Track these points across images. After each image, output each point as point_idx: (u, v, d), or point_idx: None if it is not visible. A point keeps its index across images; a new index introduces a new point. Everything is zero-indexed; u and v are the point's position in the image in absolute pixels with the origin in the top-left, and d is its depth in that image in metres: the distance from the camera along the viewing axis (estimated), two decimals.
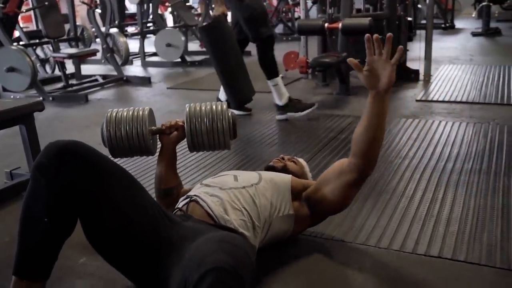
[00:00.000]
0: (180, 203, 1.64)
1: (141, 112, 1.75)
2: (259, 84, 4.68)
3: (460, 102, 3.76)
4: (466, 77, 4.61)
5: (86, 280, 1.67)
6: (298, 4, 9.96)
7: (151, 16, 7.46)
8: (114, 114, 1.74)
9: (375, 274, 1.61)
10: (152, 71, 6.18)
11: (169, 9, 9.33)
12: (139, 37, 6.63)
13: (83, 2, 5.34)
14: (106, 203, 1.34)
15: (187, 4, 7.99)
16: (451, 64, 5.30)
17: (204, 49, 6.80)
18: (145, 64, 6.57)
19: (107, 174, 1.35)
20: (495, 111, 3.46)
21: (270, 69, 3.56)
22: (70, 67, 5.29)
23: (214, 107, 1.76)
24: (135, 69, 6.28)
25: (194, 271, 1.10)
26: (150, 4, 7.01)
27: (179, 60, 6.34)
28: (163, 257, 1.36)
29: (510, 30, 8.23)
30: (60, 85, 5.13)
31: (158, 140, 1.84)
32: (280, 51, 7.50)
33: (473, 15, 8.11)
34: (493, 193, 2.13)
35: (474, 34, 7.66)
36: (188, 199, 1.61)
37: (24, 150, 2.48)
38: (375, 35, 1.48)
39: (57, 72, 5.66)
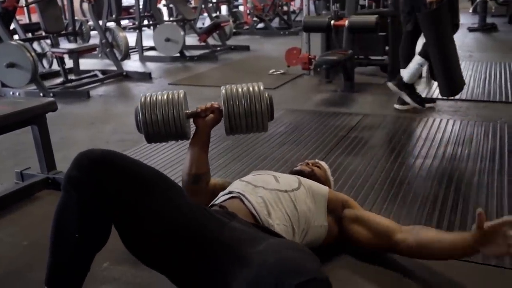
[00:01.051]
0: (221, 198, 1.61)
1: (176, 95, 1.71)
2: (266, 80, 4.68)
3: (465, 100, 3.78)
4: (468, 74, 4.63)
5: (111, 285, 1.65)
6: None
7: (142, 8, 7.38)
8: (148, 98, 1.70)
9: (373, 275, 1.62)
10: (151, 66, 6.13)
11: (163, 1, 9.27)
12: (136, 31, 6.57)
13: None
14: (147, 211, 1.30)
15: None
16: None
17: (203, 44, 6.79)
18: (143, 59, 6.52)
19: (144, 181, 1.31)
20: (501, 110, 3.48)
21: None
22: (67, 62, 5.23)
23: (251, 88, 1.73)
24: (133, 64, 6.22)
25: (287, 278, 1.03)
26: None
27: (178, 55, 6.29)
28: (216, 259, 1.29)
29: (506, 25, 8.29)
30: (58, 80, 5.08)
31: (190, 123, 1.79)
32: (278, 45, 7.54)
33: (470, 10, 8.14)
34: (509, 195, 2.15)
35: (471, 30, 7.70)
36: (231, 195, 1.59)
37: (36, 150, 2.45)
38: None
39: (54, 67, 5.60)
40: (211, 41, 7.08)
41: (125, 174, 1.28)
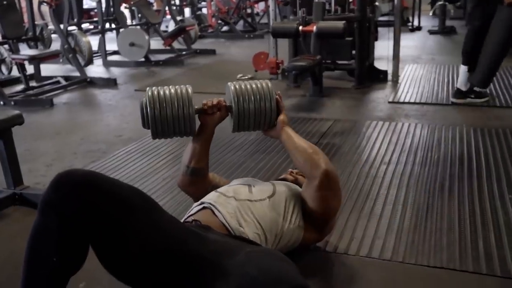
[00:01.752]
0: (194, 208, 1.62)
1: (184, 90, 1.66)
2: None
3: (431, 103, 3.88)
4: (432, 77, 4.74)
5: None
6: (258, 0, 9.98)
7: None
8: (156, 92, 1.64)
9: (381, 287, 1.63)
10: (115, 71, 6.00)
11: (124, 4, 9.09)
12: (98, 34, 6.41)
13: (44, 2, 5.09)
14: (129, 231, 1.27)
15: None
16: (415, 64, 5.45)
17: (168, 48, 6.70)
18: (106, 64, 6.37)
19: (126, 202, 1.28)
20: (466, 113, 3.58)
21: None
22: (28, 68, 5.04)
23: (259, 85, 1.72)
24: (96, 69, 6.07)
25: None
26: (111, 1, 6.78)
27: (143, 59, 6.19)
28: (198, 274, 1.30)
29: (464, 28, 8.50)
30: (19, 87, 4.91)
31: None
32: (244, 49, 7.53)
33: (430, 14, 8.35)
34: (480, 198, 2.20)
35: (431, 32, 7.90)
36: (202, 206, 1.60)
37: (1, 165, 2.34)
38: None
39: (14, 73, 5.40)
40: (176, 45, 7.00)
41: (106, 196, 1.24)
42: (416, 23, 8.41)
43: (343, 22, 3.72)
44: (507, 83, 4.37)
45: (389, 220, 2.05)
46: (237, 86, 1.70)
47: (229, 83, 1.74)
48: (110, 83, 5.11)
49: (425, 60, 5.71)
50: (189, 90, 1.66)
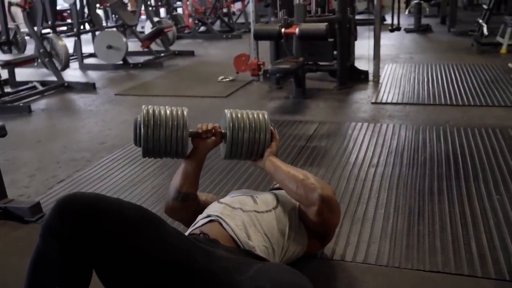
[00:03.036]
0: (200, 221, 1.59)
1: (180, 112, 1.65)
2: (215, 88, 4.63)
3: (413, 104, 3.92)
4: (412, 77, 4.80)
5: None
6: (235, 0, 9.94)
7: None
8: (151, 111, 1.62)
9: None
10: (93, 75, 5.91)
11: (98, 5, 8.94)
12: (73, 37, 6.28)
13: (17, 4, 4.96)
14: (135, 252, 1.23)
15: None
16: (394, 63, 5.51)
17: (146, 50, 6.61)
18: (83, 67, 6.26)
19: (130, 222, 1.24)
20: (448, 113, 3.63)
21: None
22: (1, 72, 4.91)
23: (255, 115, 1.73)
24: (73, 73, 5.95)
25: None
26: (86, 2, 6.66)
27: (121, 62, 6.10)
28: None
29: (439, 26, 8.69)
30: None
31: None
32: (223, 50, 7.51)
33: (406, 12, 8.45)
34: (469, 199, 2.23)
35: (408, 31, 8.01)
36: (209, 219, 1.57)
37: None
38: None
39: None
40: (153, 46, 6.92)
41: (110, 219, 1.20)
42: (395, 22, 8.49)
43: (326, 23, 3.73)
44: (485, 82, 4.45)
45: (382, 224, 2.05)
46: (233, 114, 1.71)
47: (226, 110, 1.74)
48: (89, 87, 5.02)
49: (403, 59, 5.78)
50: (185, 113, 1.66)
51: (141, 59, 6.43)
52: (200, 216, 1.65)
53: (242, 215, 1.57)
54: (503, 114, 3.52)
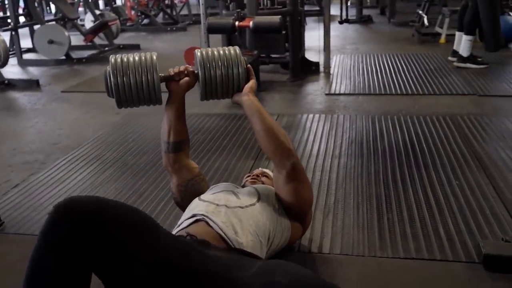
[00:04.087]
0: (184, 222, 1.56)
1: (148, 56, 1.61)
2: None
3: (365, 94, 4.03)
4: (360, 67, 4.92)
5: None
6: None
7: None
8: (119, 59, 1.59)
9: (361, 283, 1.68)
10: (34, 71, 5.62)
11: None
12: (11, 32, 5.95)
13: None
14: (136, 255, 1.20)
15: None
16: (342, 54, 5.62)
17: (89, 44, 6.37)
18: (22, 63, 5.94)
19: (128, 225, 1.22)
20: (399, 102, 3.76)
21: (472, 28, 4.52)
22: None
23: (227, 52, 1.69)
24: (12, 70, 5.64)
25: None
26: None
27: (64, 57, 5.84)
28: None
29: (379, 17, 8.95)
30: None
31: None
32: (169, 43, 7.37)
33: (349, 3, 8.63)
34: (431, 186, 2.33)
35: (350, 22, 8.20)
36: (195, 218, 1.54)
37: None
38: None
39: None
40: (96, 40, 6.67)
41: (109, 224, 1.17)
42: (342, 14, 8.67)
43: (279, 16, 3.74)
44: (430, 71, 4.64)
45: (353, 214, 2.10)
46: (203, 53, 1.68)
47: (196, 50, 1.71)
48: (32, 84, 4.77)
49: (350, 50, 5.91)
50: (154, 57, 1.63)
51: (85, 53, 6.19)
52: (184, 217, 1.62)
53: (227, 211, 1.56)
54: (451, 102, 3.69)
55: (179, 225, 1.58)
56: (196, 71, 1.69)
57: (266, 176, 2.01)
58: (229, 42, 4.46)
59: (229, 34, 4.26)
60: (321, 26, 4.94)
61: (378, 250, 1.84)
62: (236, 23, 3.82)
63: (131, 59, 1.60)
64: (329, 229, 1.99)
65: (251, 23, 3.78)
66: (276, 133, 1.62)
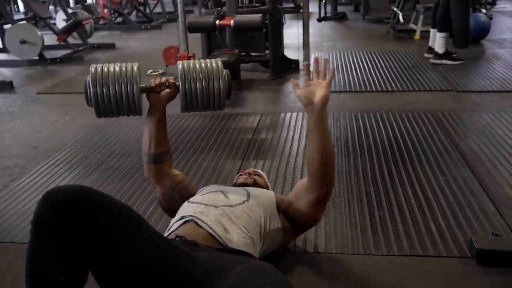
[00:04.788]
0: (174, 225, 1.55)
1: (129, 67, 1.61)
2: (146, 82, 4.44)
3: (346, 91, 4.06)
4: (339, 64, 4.95)
5: None
6: None
7: None
8: (99, 69, 1.58)
9: (359, 282, 1.69)
10: (6, 72, 5.47)
11: None
12: None
13: None
14: (122, 249, 1.23)
15: None
16: (319, 51, 5.65)
17: (62, 43, 6.23)
18: None
19: (117, 214, 1.24)
20: (380, 99, 3.80)
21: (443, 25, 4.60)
22: None
23: (209, 64, 1.69)
24: None
25: None
26: None
27: (37, 57, 5.69)
28: None
29: (353, 13, 9.03)
30: None
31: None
32: (144, 41, 7.28)
33: (323, 1, 8.67)
34: (418, 182, 2.36)
35: (320, 20, 8.22)
36: (183, 220, 1.54)
37: None
38: (315, 57, 1.64)
39: None
40: (69, 39, 6.52)
41: (99, 209, 1.20)
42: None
43: (260, 15, 3.74)
44: (407, 67, 4.70)
45: (344, 212, 2.12)
46: (185, 65, 1.68)
47: (178, 62, 1.72)
48: (6, 86, 4.63)
49: (327, 47, 5.95)
50: (135, 67, 1.62)
51: (59, 53, 6.04)
52: (173, 220, 1.62)
53: (216, 210, 1.56)
54: (430, 98, 3.75)
55: (169, 229, 1.57)
56: (177, 83, 1.69)
57: (258, 175, 2.02)
58: (209, 41, 4.43)
59: (209, 33, 4.22)
60: (298, 23, 4.96)
61: (373, 248, 1.86)
62: (217, 21, 3.80)
63: (111, 69, 1.59)
64: (323, 228, 2.00)
65: (232, 22, 3.76)
66: (330, 157, 1.63)
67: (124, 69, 1.60)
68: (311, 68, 1.73)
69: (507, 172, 2.44)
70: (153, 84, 1.67)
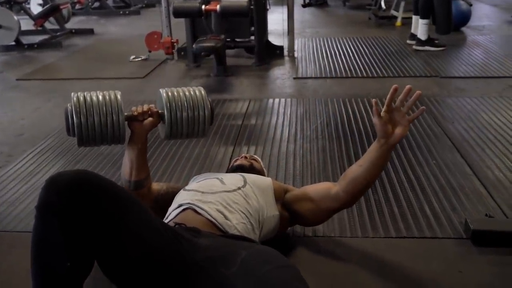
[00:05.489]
0: (172, 213, 1.54)
1: (113, 96, 1.58)
2: (129, 68, 4.38)
3: (333, 77, 4.07)
4: (323, 50, 4.96)
5: None
6: None
7: None
8: (82, 98, 1.55)
9: (360, 263, 1.71)
10: None
11: None
12: None
13: None
14: (127, 233, 1.23)
15: None
16: (303, 38, 5.64)
17: (39, 28, 6.06)
18: None
19: (122, 199, 1.25)
20: (367, 85, 3.82)
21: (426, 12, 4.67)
22: None
23: (192, 93, 1.69)
24: None
25: None
26: None
27: (13, 43, 5.53)
28: (195, 284, 1.27)
29: (334, 0, 9.03)
30: None
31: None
32: (123, 27, 7.16)
33: None
34: (410, 166, 2.39)
35: (304, 5, 8.22)
36: (181, 208, 1.53)
37: None
38: (408, 87, 1.49)
39: None
40: (47, 24, 6.35)
41: (104, 193, 1.21)
42: None
43: (246, 0, 3.70)
44: (390, 53, 4.74)
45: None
46: (169, 93, 1.67)
47: (161, 90, 1.71)
48: None
49: (310, 34, 5.94)
50: (118, 96, 1.60)
51: (36, 39, 5.87)
52: (170, 208, 1.61)
53: (213, 197, 1.55)
54: (415, 83, 3.78)
55: (167, 217, 1.56)
56: (160, 111, 1.68)
57: (255, 159, 2.03)
58: (193, 26, 4.38)
59: (194, 18, 4.17)
60: (282, 9, 4.94)
61: (371, 231, 1.89)
62: (203, 6, 3.75)
63: (94, 98, 1.56)
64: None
65: (218, 7, 3.72)
66: (370, 185, 1.63)
67: (107, 98, 1.57)
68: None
69: (494, 155, 2.49)
70: (135, 113, 1.64)
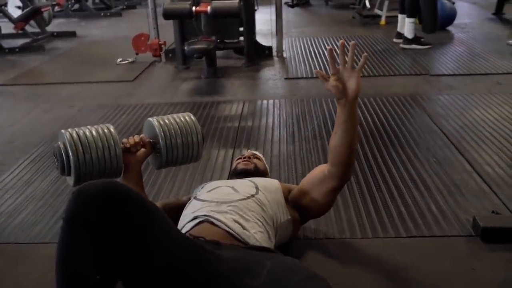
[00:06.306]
0: (187, 225, 1.51)
1: (106, 130, 1.56)
2: (117, 71, 4.31)
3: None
4: (311, 50, 4.96)
5: None
6: None
7: None
8: (75, 134, 1.51)
9: (373, 264, 1.71)
10: None
11: None
12: None
13: None
14: (153, 243, 1.20)
15: None
16: (290, 38, 5.62)
17: (20, 32, 5.93)
18: None
19: (148, 212, 1.21)
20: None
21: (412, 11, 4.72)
22: None
23: (183, 119, 1.69)
24: None
25: None
26: None
27: None
28: None
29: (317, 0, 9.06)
30: None
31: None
32: (106, 29, 7.05)
33: None
34: (412, 165, 2.40)
35: (289, 5, 8.22)
36: (197, 221, 1.49)
37: None
38: (341, 42, 1.50)
39: None
40: (27, 27, 6.22)
41: (131, 204, 1.18)
42: None
43: (237, 1, 3.68)
44: (378, 52, 4.77)
45: (347, 196, 2.13)
46: (161, 121, 1.67)
47: (150, 119, 1.70)
48: None
49: (296, 34, 5.94)
50: (112, 129, 1.58)
51: (17, 42, 5.74)
52: (184, 220, 1.57)
53: (229, 207, 1.52)
54: (406, 82, 3.83)
55: (181, 229, 1.52)
56: (152, 140, 1.67)
57: (258, 158, 2.01)
58: (182, 27, 4.33)
59: (183, 20, 4.13)
60: (268, 9, 4.92)
61: (381, 231, 1.88)
62: (193, 8, 3.71)
63: (87, 133, 1.53)
64: (329, 213, 1.99)
65: (209, 8, 3.69)
66: (356, 148, 1.59)
67: (101, 132, 1.54)
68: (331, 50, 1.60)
69: (492, 152, 2.52)
70: (127, 145, 1.62)
